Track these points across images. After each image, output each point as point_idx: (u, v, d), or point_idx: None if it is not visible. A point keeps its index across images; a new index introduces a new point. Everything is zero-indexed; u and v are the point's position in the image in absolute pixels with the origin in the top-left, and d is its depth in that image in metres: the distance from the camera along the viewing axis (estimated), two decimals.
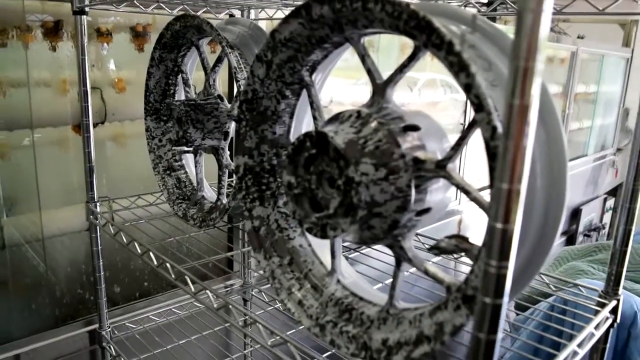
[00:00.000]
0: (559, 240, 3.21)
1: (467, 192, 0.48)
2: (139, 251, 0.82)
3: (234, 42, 0.86)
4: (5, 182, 1.03)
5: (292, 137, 0.67)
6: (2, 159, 1.02)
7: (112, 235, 0.90)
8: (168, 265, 0.75)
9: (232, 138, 0.92)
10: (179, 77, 1.01)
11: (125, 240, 0.86)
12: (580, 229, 3.32)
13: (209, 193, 0.99)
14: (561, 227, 0.49)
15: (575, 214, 3.26)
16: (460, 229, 2.28)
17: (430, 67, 2.04)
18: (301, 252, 0.65)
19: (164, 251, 0.90)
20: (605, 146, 3.63)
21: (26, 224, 1.07)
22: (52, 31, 1.07)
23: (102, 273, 1.02)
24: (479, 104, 0.41)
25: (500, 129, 0.39)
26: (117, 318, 1.13)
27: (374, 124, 0.50)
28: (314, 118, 0.61)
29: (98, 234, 1.00)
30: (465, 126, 0.48)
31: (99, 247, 1.01)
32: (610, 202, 3.80)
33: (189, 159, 1.04)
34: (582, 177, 3.27)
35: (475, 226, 2.25)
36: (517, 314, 1.82)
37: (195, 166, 0.97)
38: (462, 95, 2.19)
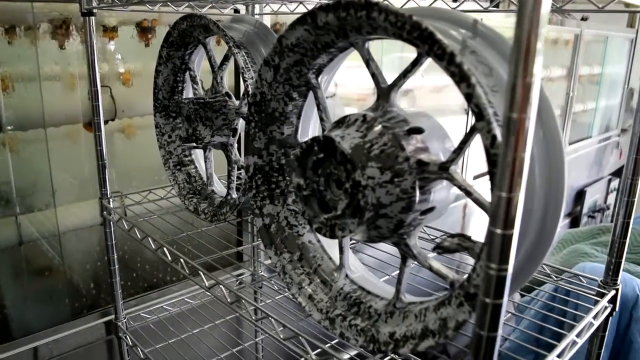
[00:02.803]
0: (562, 222, 3.24)
1: (468, 193, 0.50)
2: (153, 247, 0.85)
3: (241, 41, 0.88)
4: (18, 179, 1.06)
5: (300, 137, 0.69)
6: (18, 157, 1.05)
7: (126, 231, 0.93)
8: (182, 260, 0.78)
9: (240, 134, 0.94)
10: (187, 74, 1.03)
11: (139, 236, 0.89)
12: (585, 210, 3.34)
13: (219, 187, 1.02)
14: (560, 223, 0.51)
15: (580, 195, 3.28)
16: (465, 214, 2.31)
17: None
18: (310, 248, 0.68)
19: (176, 245, 0.93)
20: (609, 127, 3.63)
21: (42, 220, 1.10)
22: (60, 30, 1.08)
23: (116, 266, 1.06)
24: (479, 113, 0.43)
25: (499, 138, 0.42)
26: (132, 309, 1.17)
27: (379, 128, 0.52)
28: (321, 119, 0.64)
29: (112, 228, 1.03)
30: (466, 131, 0.50)
31: (113, 242, 1.04)
32: (615, 183, 3.80)
33: (198, 154, 1.07)
34: (586, 158, 3.28)
35: (480, 212, 2.28)
36: (522, 296, 1.85)
37: (205, 161, 0.99)
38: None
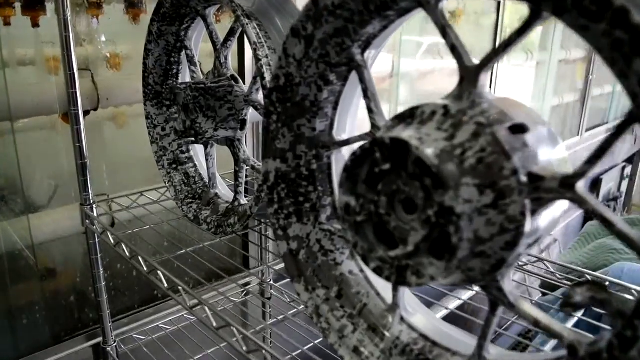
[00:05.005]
0: (578, 212, 3.09)
1: (608, 224, 0.34)
2: (145, 269, 0.68)
3: (250, 10, 0.71)
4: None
5: (336, 134, 0.52)
6: None
7: (112, 246, 0.76)
8: (181, 288, 0.62)
9: (251, 127, 0.78)
10: (183, 54, 0.86)
11: (128, 254, 0.72)
12: (600, 199, 3.19)
13: (223, 190, 0.85)
14: None
15: (595, 184, 3.12)
16: None
17: (434, 30, 1.87)
18: (352, 280, 0.51)
19: (172, 264, 0.76)
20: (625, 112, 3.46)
21: (13, 229, 0.94)
22: (32, 3, 0.90)
23: (103, 283, 0.89)
24: None
25: None
26: (124, 328, 1.01)
27: (471, 126, 0.36)
28: (369, 110, 0.47)
29: (96, 240, 0.86)
30: (614, 130, 0.33)
31: (99, 255, 0.87)
32: (628, 170, 3.66)
33: (198, 150, 0.90)
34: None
35: None
36: (544, 294, 1.70)
37: (207, 159, 0.83)
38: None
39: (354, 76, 0.49)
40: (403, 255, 0.37)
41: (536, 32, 2.47)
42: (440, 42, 1.97)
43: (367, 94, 0.47)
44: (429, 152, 0.34)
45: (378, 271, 0.39)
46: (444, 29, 0.40)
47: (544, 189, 0.35)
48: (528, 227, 0.35)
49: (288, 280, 0.77)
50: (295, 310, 1.06)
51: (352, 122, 0.54)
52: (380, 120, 0.46)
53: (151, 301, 1.09)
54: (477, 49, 2.02)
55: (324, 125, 0.51)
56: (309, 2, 0.44)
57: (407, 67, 1.75)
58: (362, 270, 0.52)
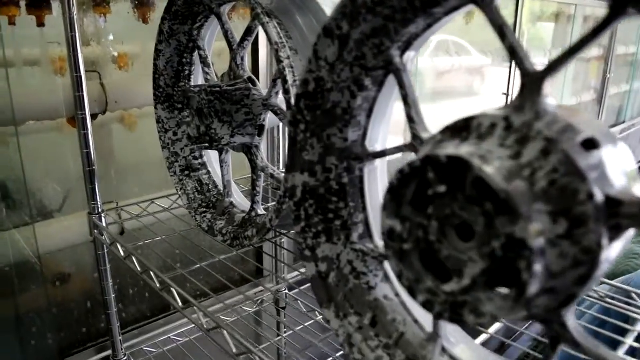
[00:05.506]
0: None
1: None
2: (158, 285, 0.64)
3: (270, 9, 0.66)
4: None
5: (369, 144, 0.47)
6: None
7: (122, 258, 0.72)
8: (196, 308, 0.58)
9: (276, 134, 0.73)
10: (195, 54, 0.82)
11: (138, 268, 0.68)
12: None
13: (239, 199, 0.81)
14: None
15: None
16: None
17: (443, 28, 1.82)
18: (387, 306, 0.47)
19: (185, 280, 0.72)
20: None
21: (18, 238, 0.90)
22: (37, 2, 0.86)
23: (112, 296, 0.85)
24: None
25: None
26: (134, 341, 0.97)
27: (539, 142, 0.31)
28: (409, 119, 0.42)
29: (105, 250, 0.82)
30: None
31: (107, 267, 0.83)
32: None
33: (211, 156, 0.86)
34: None
35: None
36: None
37: (221, 166, 0.78)
38: (476, 59, 1.96)
39: (389, 81, 0.45)
40: (461, 290, 0.32)
41: (549, 29, 2.41)
42: (450, 40, 1.93)
43: (407, 100, 0.42)
44: (495, 174, 0.29)
45: (428, 306, 0.34)
46: (501, 29, 0.35)
47: (622, 214, 0.30)
48: (604, 258, 0.31)
49: (303, 288, 0.73)
50: (312, 321, 1.02)
51: (385, 131, 0.49)
52: (422, 131, 0.42)
53: (162, 312, 1.05)
54: (491, 48, 1.97)
55: (357, 135, 0.46)
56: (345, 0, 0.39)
57: (423, 65, 1.70)
58: (397, 295, 0.47)
